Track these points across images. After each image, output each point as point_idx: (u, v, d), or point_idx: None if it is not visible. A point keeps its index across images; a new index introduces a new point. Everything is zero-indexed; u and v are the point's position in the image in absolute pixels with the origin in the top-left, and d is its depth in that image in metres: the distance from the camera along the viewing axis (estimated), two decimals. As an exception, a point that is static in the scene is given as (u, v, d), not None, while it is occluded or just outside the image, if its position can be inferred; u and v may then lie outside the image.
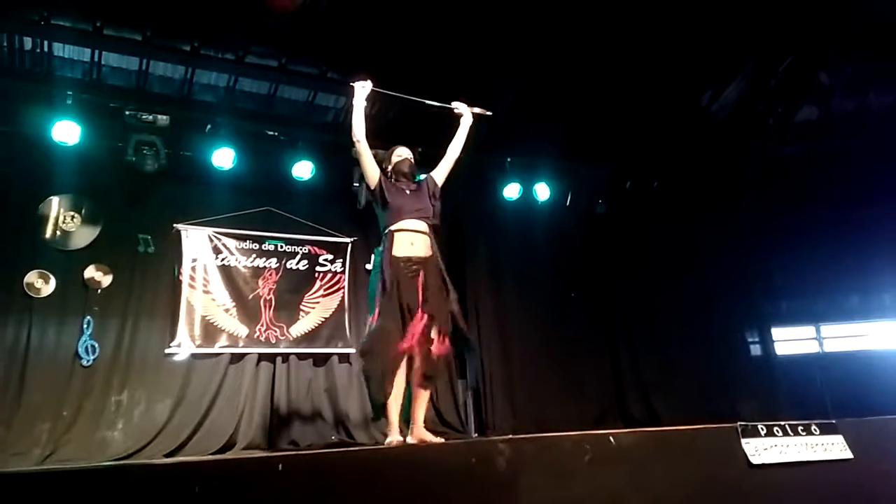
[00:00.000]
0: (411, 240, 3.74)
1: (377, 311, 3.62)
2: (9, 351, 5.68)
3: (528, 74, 6.74)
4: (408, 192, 3.91)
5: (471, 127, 4.21)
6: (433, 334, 3.64)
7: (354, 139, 3.91)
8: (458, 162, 4.17)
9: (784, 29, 6.61)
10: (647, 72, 6.85)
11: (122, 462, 3.13)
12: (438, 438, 3.68)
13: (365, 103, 3.99)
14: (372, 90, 4.05)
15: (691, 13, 6.18)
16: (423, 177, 4.10)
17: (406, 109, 7.11)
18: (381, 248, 3.78)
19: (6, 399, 5.52)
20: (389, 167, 4.04)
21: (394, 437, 3.56)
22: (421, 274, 3.68)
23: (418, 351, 3.63)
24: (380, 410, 3.60)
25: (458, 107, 4.23)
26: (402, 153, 4.09)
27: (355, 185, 4.69)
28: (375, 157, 3.98)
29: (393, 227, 3.75)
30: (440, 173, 4.09)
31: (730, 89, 7.40)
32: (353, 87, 4.03)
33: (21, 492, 1.82)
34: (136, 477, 2.04)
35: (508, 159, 7.46)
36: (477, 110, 4.23)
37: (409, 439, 3.71)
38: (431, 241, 3.81)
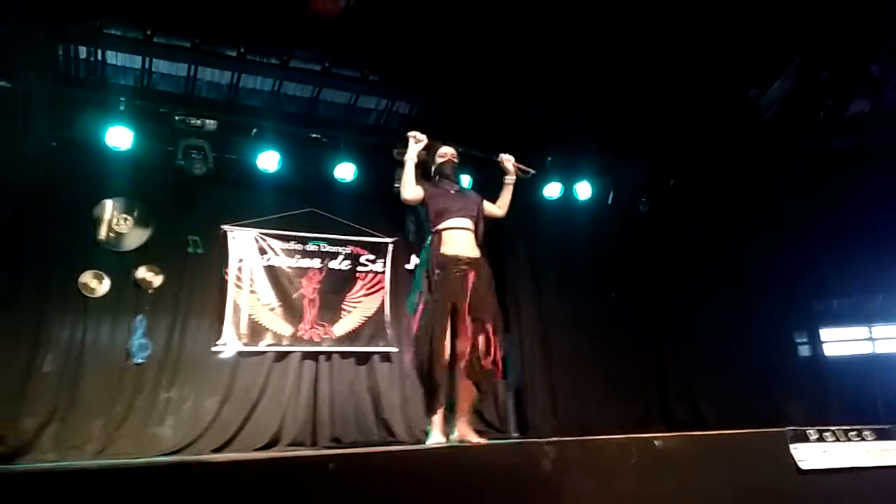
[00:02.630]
0: (459, 238, 3.74)
1: (420, 308, 3.62)
2: (65, 349, 5.91)
3: (570, 71, 6.70)
4: (452, 192, 3.90)
5: (514, 184, 4.13)
6: (481, 338, 3.64)
7: (403, 197, 3.83)
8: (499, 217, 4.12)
9: (835, 21, 6.43)
10: (692, 67, 6.73)
11: (179, 458, 3.25)
12: (481, 438, 3.70)
13: (416, 159, 3.90)
14: (426, 143, 3.95)
15: (739, 7, 6.07)
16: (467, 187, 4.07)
17: (446, 112, 7.19)
18: (427, 246, 3.77)
19: (62, 395, 5.74)
20: (432, 167, 4.02)
21: (435, 439, 3.57)
22: (470, 275, 3.67)
23: (467, 353, 3.63)
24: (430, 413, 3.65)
25: (504, 159, 4.13)
26: (445, 153, 4.05)
27: (408, 226, 4.54)
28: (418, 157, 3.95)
29: (440, 227, 3.74)
30: (486, 208, 4.03)
31: (778, 83, 7.23)
32: (407, 138, 3.93)
33: (80, 486, 1.89)
34: (193, 473, 2.11)
35: (549, 158, 7.43)
36: (521, 167, 4.14)
37: (452, 437, 3.74)
38: (477, 242, 3.82)
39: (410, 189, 3.82)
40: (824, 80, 7.14)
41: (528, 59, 6.52)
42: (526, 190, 7.52)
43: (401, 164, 6.03)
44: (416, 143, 3.91)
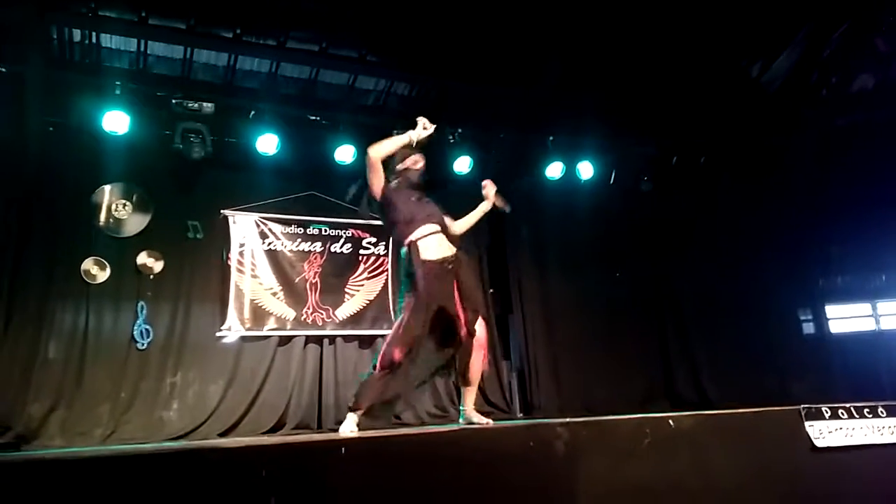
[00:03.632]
0: (435, 242, 3.67)
1: (407, 314, 3.54)
2: (69, 336, 5.88)
3: (571, 48, 6.61)
4: (413, 199, 3.77)
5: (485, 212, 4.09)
6: (478, 328, 3.67)
7: (372, 154, 3.68)
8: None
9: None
10: (694, 42, 6.64)
11: (191, 444, 3.23)
12: (487, 420, 3.70)
13: (413, 143, 3.76)
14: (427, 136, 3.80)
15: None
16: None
17: (446, 92, 7.10)
18: (404, 257, 3.70)
19: (68, 382, 5.73)
20: (402, 167, 3.84)
21: (348, 427, 3.53)
22: (457, 273, 3.66)
23: (464, 348, 3.65)
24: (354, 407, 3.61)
25: (487, 186, 4.07)
26: (416, 159, 3.88)
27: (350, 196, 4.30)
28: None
29: (413, 237, 3.63)
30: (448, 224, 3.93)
31: (781, 59, 7.14)
32: (418, 121, 3.77)
33: (87, 473, 1.86)
34: (204, 459, 2.08)
35: (551, 138, 7.37)
36: (499, 200, 4.06)
37: (461, 421, 3.76)
38: (449, 239, 3.77)
39: (383, 151, 3.67)
40: (828, 54, 7.06)
41: (531, 37, 6.43)
42: (527, 170, 7.51)
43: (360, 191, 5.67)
44: (424, 129, 3.76)
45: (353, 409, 3.59)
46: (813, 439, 2.70)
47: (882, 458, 2.77)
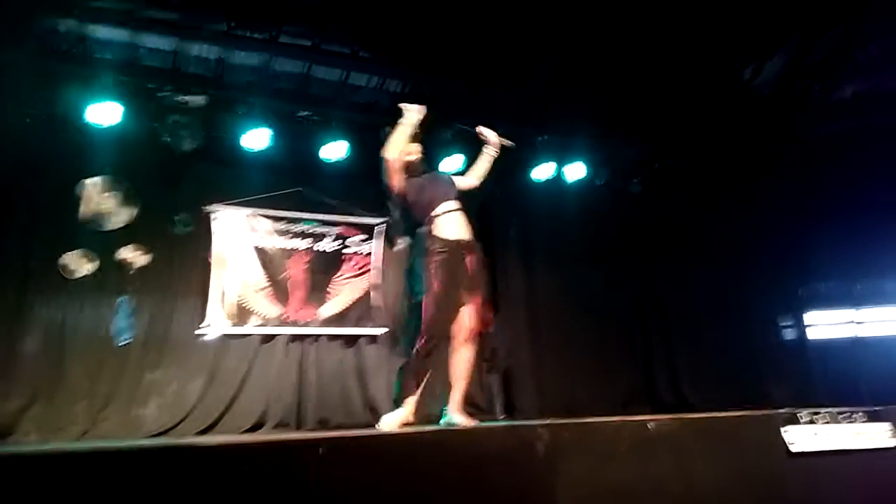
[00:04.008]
0: (455, 220, 3.75)
1: (432, 295, 3.56)
2: (47, 330, 5.82)
3: (563, 49, 6.63)
4: (427, 182, 3.90)
5: (493, 158, 4.15)
6: (486, 315, 3.72)
7: (388, 156, 3.81)
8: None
9: (829, 1, 6.40)
10: (685, 44, 6.68)
11: (167, 442, 3.21)
12: (473, 420, 3.69)
13: (411, 130, 3.87)
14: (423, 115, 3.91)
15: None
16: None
17: (439, 90, 7.09)
18: (423, 233, 3.72)
19: (45, 377, 5.67)
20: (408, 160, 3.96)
21: (399, 419, 3.52)
22: (468, 258, 3.70)
23: (472, 336, 3.67)
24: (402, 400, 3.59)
25: (484, 132, 4.17)
26: (411, 149, 3.98)
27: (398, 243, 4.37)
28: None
29: (433, 213, 3.72)
30: (460, 183, 4.03)
31: (773, 63, 7.18)
32: (402, 108, 3.89)
33: (62, 470, 1.84)
34: (181, 456, 2.06)
35: (539, 138, 7.38)
36: (503, 141, 4.14)
37: (444, 420, 3.74)
38: (470, 223, 3.83)
39: (398, 149, 3.81)
40: (819, 59, 7.12)
41: (524, 36, 6.44)
42: (516, 171, 7.52)
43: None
44: (416, 113, 3.88)
45: (398, 402, 3.60)
46: (789, 444, 2.72)
47: (858, 464, 2.79)
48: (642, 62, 6.76)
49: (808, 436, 2.79)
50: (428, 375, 3.59)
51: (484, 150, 4.16)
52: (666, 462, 2.58)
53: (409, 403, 3.55)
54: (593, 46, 6.55)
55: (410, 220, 3.88)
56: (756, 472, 2.71)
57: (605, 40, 6.48)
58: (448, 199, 3.81)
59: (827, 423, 2.83)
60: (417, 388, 3.57)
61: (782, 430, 2.80)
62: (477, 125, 4.22)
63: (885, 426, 2.84)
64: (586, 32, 6.36)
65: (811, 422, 2.82)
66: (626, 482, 2.46)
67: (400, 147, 3.82)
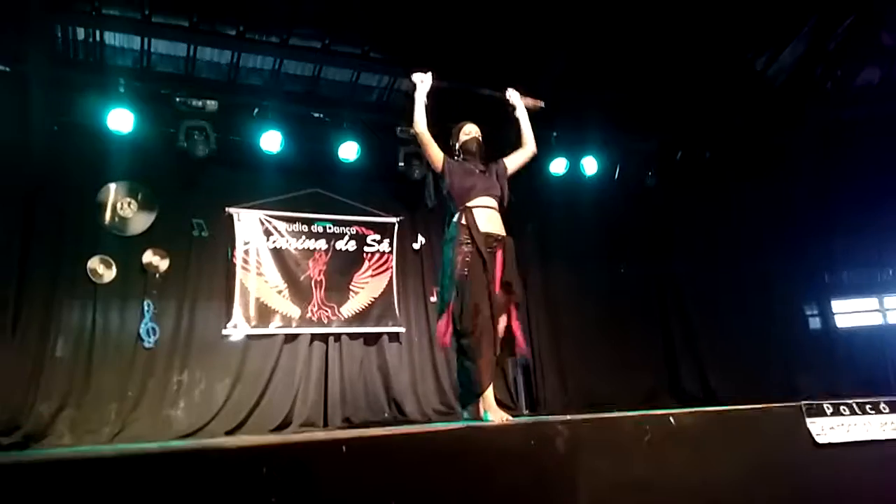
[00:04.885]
0: (488, 216, 3.73)
1: (461, 285, 3.56)
2: (76, 335, 5.92)
3: (575, 44, 6.59)
4: (477, 171, 3.86)
5: (528, 117, 4.10)
6: (514, 318, 3.69)
7: (416, 130, 3.84)
8: (532, 157, 4.09)
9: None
10: (698, 35, 6.60)
11: (191, 444, 3.26)
12: (507, 416, 3.64)
13: (426, 99, 3.88)
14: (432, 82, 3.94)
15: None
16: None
17: (452, 88, 7.07)
18: (455, 222, 3.72)
19: (76, 380, 5.77)
20: (457, 144, 3.99)
21: (498, 416, 3.52)
22: (499, 252, 3.68)
23: (501, 332, 3.65)
24: (473, 397, 3.58)
25: (511, 96, 4.12)
26: (469, 130, 4.01)
27: (428, 193, 4.32)
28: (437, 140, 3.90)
29: (469, 204, 3.71)
30: (512, 162, 3.99)
31: (787, 52, 7.10)
32: (412, 80, 3.94)
33: (94, 473, 1.88)
34: (204, 458, 2.09)
35: (555, 134, 7.34)
36: (529, 101, 4.11)
37: (465, 416, 3.75)
38: (505, 220, 3.82)
39: (422, 120, 3.82)
40: (833, 47, 7.02)
41: (535, 33, 6.41)
42: (533, 166, 7.46)
43: (404, 142, 5.94)
44: (422, 83, 3.92)
45: (469, 403, 3.63)
46: (815, 436, 2.69)
47: (884, 455, 2.76)
48: (654, 55, 6.69)
49: (833, 427, 2.76)
50: (491, 366, 3.57)
51: (517, 115, 4.10)
52: (689, 456, 2.56)
53: (487, 400, 3.55)
54: (605, 40, 6.50)
55: (445, 202, 3.86)
56: (781, 464, 2.69)
57: (617, 33, 6.42)
58: (489, 195, 3.78)
59: (852, 413, 2.79)
60: (488, 381, 3.54)
61: (808, 421, 2.76)
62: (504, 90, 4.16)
63: (911, 416, 2.79)
64: (598, 26, 6.31)
65: (836, 412, 2.79)
66: (647, 477, 2.45)
67: (421, 118, 3.82)
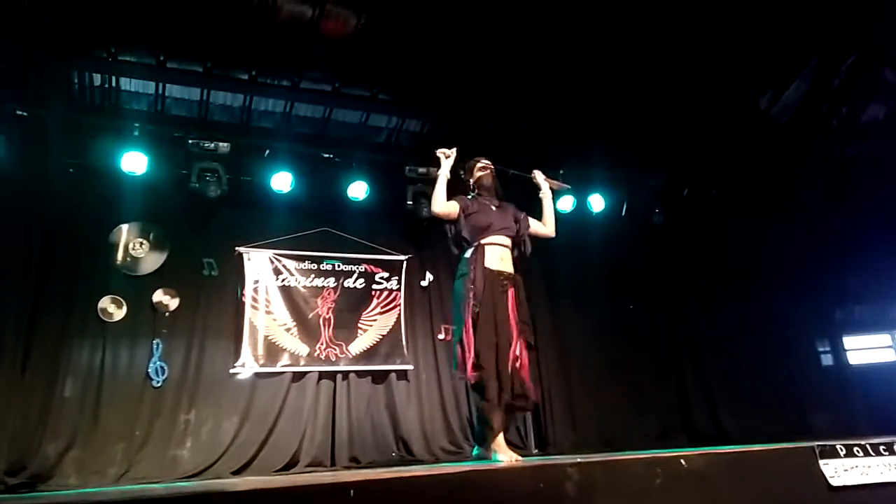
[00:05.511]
0: (501, 255, 3.76)
1: (469, 323, 3.58)
2: (85, 374, 5.93)
3: (580, 83, 6.70)
4: (493, 208, 3.89)
5: (552, 200, 4.13)
6: (523, 352, 3.66)
7: (435, 211, 3.86)
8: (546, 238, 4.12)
9: (847, 26, 6.40)
10: (703, 74, 6.71)
11: (194, 487, 3.24)
12: (516, 457, 3.59)
13: (449, 175, 3.89)
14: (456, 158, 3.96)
15: (749, 12, 6.05)
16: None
17: (457, 129, 7.19)
18: (467, 258, 3.75)
19: (83, 420, 5.76)
20: (471, 180, 4.03)
21: (507, 456, 3.50)
22: (510, 291, 3.70)
23: (512, 370, 3.62)
24: (487, 437, 3.57)
25: (536, 176, 4.15)
26: (485, 165, 4.05)
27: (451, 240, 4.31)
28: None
29: (483, 241, 3.75)
30: (533, 228, 4.02)
31: (791, 90, 7.18)
32: (437, 156, 3.95)
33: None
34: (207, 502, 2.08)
35: (561, 171, 7.38)
36: (555, 183, 4.14)
37: (474, 455, 3.73)
38: (518, 259, 3.85)
39: (441, 203, 3.82)
40: (837, 85, 7.09)
41: (541, 73, 6.54)
42: (539, 203, 7.52)
43: (412, 181, 6.03)
44: (447, 158, 3.91)
45: (482, 443, 3.63)
46: (829, 478, 2.65)
47: (900, 497, 2.71)
48: (659, 92, 6.79)
49: (848, 469, 2.71)
50: (501, 406, 3.55)
51: (540, 196, 4.11)
52: (700, 499, 2.53)
53: (498, 441, 3.55)
54: (610, 79, 6.61)
55: (460, 240, 3.86)
56: (795, 507, 2.64)
57: (622, 73, 6.54)
58: (503, 234, 3.81)
59: (866, 455, 2.75)
60: (499, 422, 3.54)
61: (821, 462, 2.72)
62: (532, 170, 4.17)
63: (925, 457, 2.75)
64: (602, 65, 6.43)
65: (850, 454, 2.75)
66: (659, 521, 2.41)
67: (441, 199, 3.82)
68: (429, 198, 6.43)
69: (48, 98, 5.86)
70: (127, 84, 6.36)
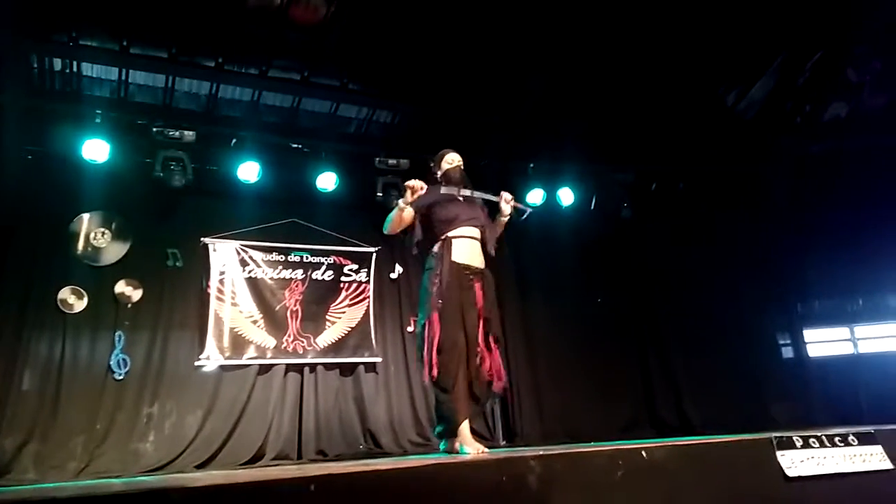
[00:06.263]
0: (468, 247, 3.73)
1: (435, 317, 3.56)
2: (44, 366, 5.79)
3: (551, 77, 6.72)
4: (461, 199, 3.85)
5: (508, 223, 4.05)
6: (493, 354, 3.67)
7: (387, 232, 3.88)
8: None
9: (811, 25, 6.50)
10: (671, 71, 6.78)
11: (151, 483, 3.18)
12: (482, 448, 3.61)
13: (408, 209, 3.77)
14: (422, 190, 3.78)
15: (716, 10, 6.11)
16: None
17: (428, 120, 7.17)
18: (435, 252, 3.73)
19: (42, 414, 5.61)
20: (439, 173, 4.00)
21: (473, 448, 3.51)
22: (477, 285, 3.69)
23: (476, 368, 3.63)
24: (449, 431, 3.57)
25: (504, 199, 3.97)
26: (452, 159, 4.02)
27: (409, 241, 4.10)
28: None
29: (451, 234, 3.72)
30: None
31: (757, 87, 7.29)
32: (406, 186, 3.77)
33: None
34: (165, 499, 2.04)
35: (531, 165, 7.44)
36: (520, 206, 4.06)
37: (441, 449, 3.73)
38: (485, 251, 3.81)
39: (392, 229, 3.84)
40: (802, 83, 7.22)
41: (512, 66, 6.53)
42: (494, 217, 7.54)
43: (383, 173, 5.97)
44: (413, 194, 3.72)
45: (445, 437, 3.60)
46: (785, 469, 2.70)
47: (854, 487, 2.77)
48: (628, 88, 6.84)
49: (804, 460, 2.77)
50: (465, 403, 3.56)
51: (499, 217, 4.01)
52: (660, 490, 2.56)
53: (463, 433, 3.55)
54: (579, 74, 6.64)
55: (426, 236, 3.83)
56: (753, 498, 2.69)
57: (591, 68, 6.57)
58: (471, 225, 3.78)
59: (821, 446, 2.81)
60: (463, 416, 3.54)
61: (778, 454, 2.78)
62: (501, 191, 4.03)
63: (877, 449, 2.82)
64: (572, 61, 6.45)
65: (806, 445, 2.80)
66: (620, 513, 2.44)
67: (394, 226, 3.81)
68: (399, 190, 6.46)
69: (6, 83, 5.68)
70: (89, 70, 6.18)
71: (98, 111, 5.92)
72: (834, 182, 7.69)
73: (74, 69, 6.12)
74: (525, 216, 4.14)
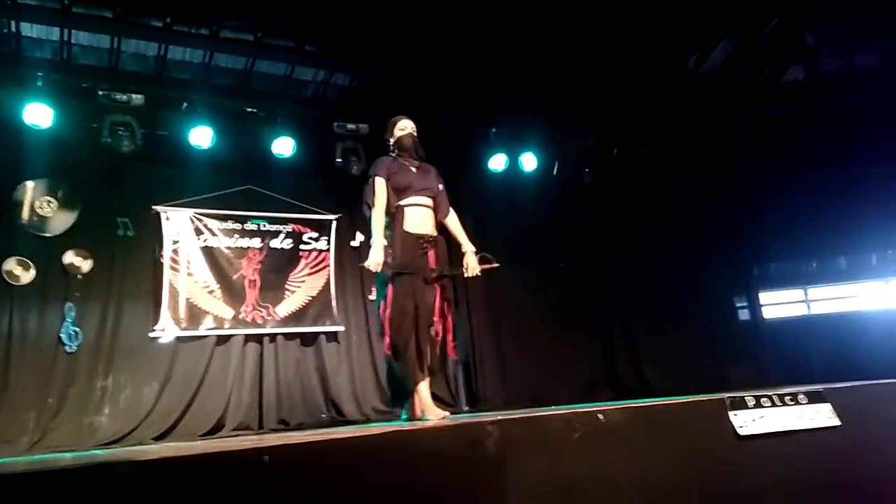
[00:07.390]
0: (421, 215, 3.73)
1: (389, 287, 3.60)
2: (-9, 339, 5.60)
3: (515, 42, 6.61)
4: (413, 169, 3.83)
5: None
6: (445, 321, 3.71)
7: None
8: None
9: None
10: (631, 35, 6.74)
11: (101, 456, 3.10)
12: (445, 413, 3.67)
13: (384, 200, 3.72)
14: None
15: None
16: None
17: (387, 84, 7.01)
18: (388, 222, 3.73)
19: (-8, 388, 5.45)
20: (392, 140, 3.95)
21: (435, 415, 3.54)
22: (430, 253, 3.69)
23: (427, 331, 3.65)
24: (406, 397, 3.63)
25: (469, 267, 3.92)
26: (405, 126, 3.95)
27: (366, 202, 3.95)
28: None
29: (402, 203, 3.71)
30: (450, 216, 3.95)
31: (717, 51, 7.31)
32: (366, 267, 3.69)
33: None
34: (112, 473, 1.98)
35: (493, 130, 7.36)
36: (486, 267, 4.00)
37: (403, 418, 3.75)
38: (438, 219, 3.82)
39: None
40: (761, 47, 7.26)
41: (473, 29, 6.40)
42: (472, 162, 7.49)
43: (341, 138, 5.83)
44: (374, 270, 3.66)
45: (403, 403, 3.68)
46: (737, 428, 2.75)
47: (802, 444, 2.84)
48: (589, 53, 6.78)
49: (755, 419, 2.83)
50: (420, 369, 3.59)
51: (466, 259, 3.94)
52: (617, 452, 2.58)
53: (424, 400, 3.59)
54: (542, 39, 6.54)
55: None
56: (708, 457, 2.74)
57: (554, 33, 6.48)
58: (424, 194, 3.77)
59: (772, 405, 2.87)
60: (419, 379, 3.58)
61: (731, 414, 2.82)
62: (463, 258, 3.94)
63: (826, 406, 2.89)
64: (533, 24, 6.35)
65: (758, 405, 2.86)
66: (577, 475, 2.45)
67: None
68: (358, 155, 6.36)
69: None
70: (28, 29, 5.86)
71: (39, 73, 5.68)
72: (791, 146, 7.81)
73: (13, 29, 5.81)
74: (494, 268, 4.08)
